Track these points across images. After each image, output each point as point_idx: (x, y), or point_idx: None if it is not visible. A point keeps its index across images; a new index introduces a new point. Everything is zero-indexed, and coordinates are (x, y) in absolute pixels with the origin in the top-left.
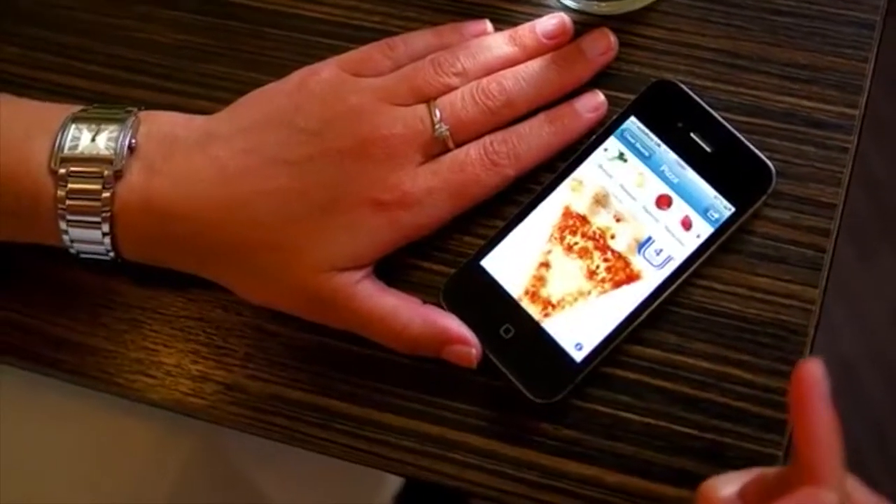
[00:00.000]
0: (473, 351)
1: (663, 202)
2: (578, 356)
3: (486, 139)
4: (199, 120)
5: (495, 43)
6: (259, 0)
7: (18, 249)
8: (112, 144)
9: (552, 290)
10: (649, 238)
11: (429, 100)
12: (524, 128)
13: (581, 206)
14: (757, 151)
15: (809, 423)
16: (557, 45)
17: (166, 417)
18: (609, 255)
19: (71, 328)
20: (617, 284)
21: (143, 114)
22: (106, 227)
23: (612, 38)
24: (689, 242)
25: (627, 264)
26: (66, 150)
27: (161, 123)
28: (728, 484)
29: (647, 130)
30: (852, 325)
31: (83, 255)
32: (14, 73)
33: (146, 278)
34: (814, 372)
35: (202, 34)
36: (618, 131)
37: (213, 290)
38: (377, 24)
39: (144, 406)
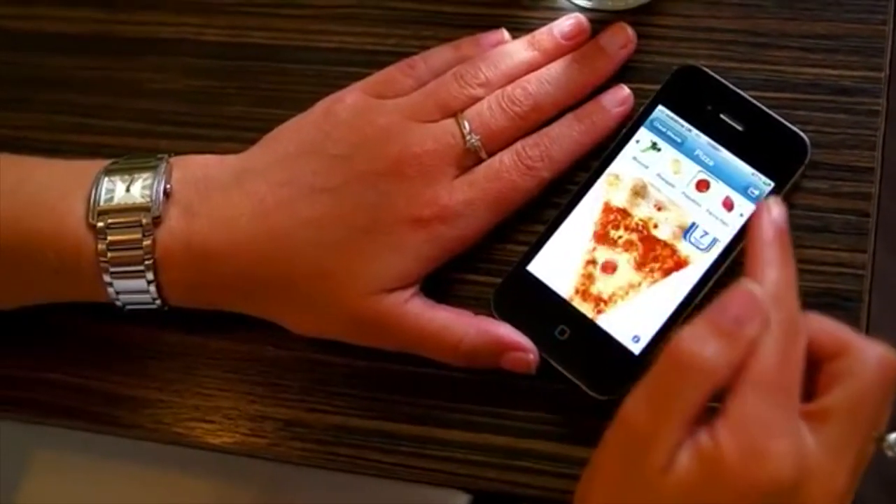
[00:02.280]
0: (531, 356)
1: (702, 186)
2: (637, 349)
3: (518, 145)
4: (230, 159)
5: (515, 50)
6: (271, 37)
7: (61, 311)
8: (147, 192)
9: (602, 287)
10: (693, 223)
11: (455, 113)
12: (554, 129)
13: (620, 199)
14: (789, 124)
15: (758, 235)
16: (576, 45)
17: (222, 472)
18: (655, 244)
19: (123, 383)
20: (666, 273)
21: (175, 159)
22: (150, 275)
23: (631, 32)
24: (733, 222)
25: (674, 251)
26: (102, 203)
27: (194, 166)
28: (715, 346)
29: (676, 117)
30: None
31: (129, 307)
32: (40, 139)
33: (192, 324)
34: (775, 205)
35: (219, 77)
36: (647, 122)
37: (261, 328)
38: (393, 47)
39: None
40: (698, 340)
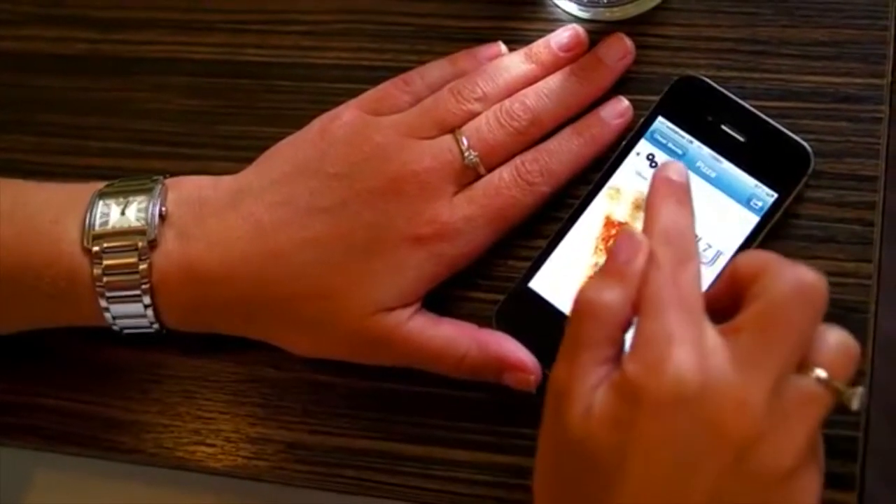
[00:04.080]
0: (532, 377)
1: None
2: None
3: (517, 160)
4: (226, 180)
5: (512, 63)
6: (265, 55)
7: (58, 336)
8: (142, 215)
9: None
10: (696, 236)
11: (453, 129)
12: (553, 143)
13: (622, 213)
14: (791, 134)
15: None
16: (574, 57)
17: (223, 491)
18: None
19: (124, 408)
20: None
21: (170, 181)
22: (147, 299)
23: (629, 43)
24: (737, 234)
25: None
26: (97, 227)
27: (189, 188)
28: (609, 289)
29: (676, 129)
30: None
31: (127, 332)
32: (34, 162)
33: (192, 348)
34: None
35: (213, 96)
36: (647, 133)
37: (261, 350)
38: (389, 62)
39: (200, 482)
40: (593, 287)
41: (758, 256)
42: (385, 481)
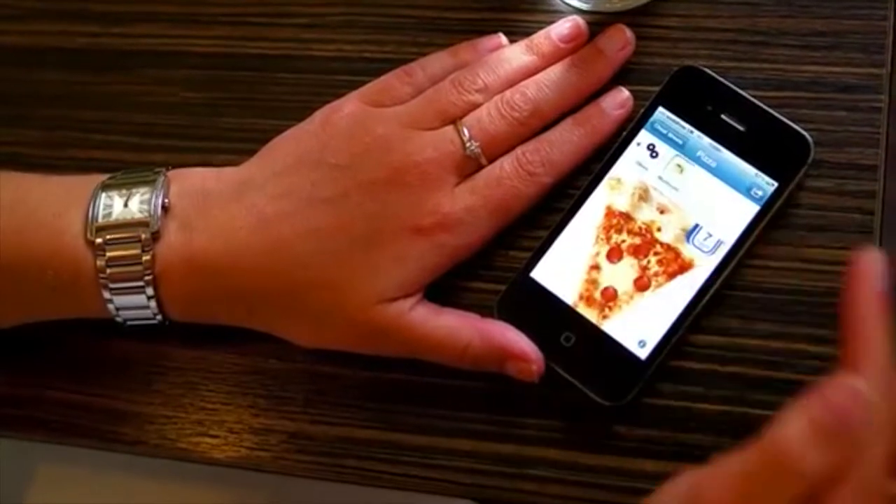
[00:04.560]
0: (534, 367)
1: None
2: (643, 353)
3: (519, 150)
4: (229, 172)
5: (513, 54)
6: (267, 47)
7: (62, 328)
8: (145, 207)
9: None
10: (696, 225)
11: (455, 120)
12: (554, 134)
13: (623, 203)
14: (791, 123)
15: (856, 315)
16: (575, 48)
17: (227, 482)
18: (658, 247)
19: (127, 399)
20: (671, 276)
21: (172, 173)
22: (150, 291)
23: (629, 34)
24: (737, 223)
25: (678, 255)
26: (100, 219)
27: (192, 180)
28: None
29: (677, 119)
30: None
31: (130, 323)
32: (38, 156)
33: (195, 339)
34: (871, 263)
35: (215, 89)
36: (648, 124)
37: (264, 341)
38: (390, 54)
39: (203, 473)
40: (799, 440)
41: None
42: (387, 471)
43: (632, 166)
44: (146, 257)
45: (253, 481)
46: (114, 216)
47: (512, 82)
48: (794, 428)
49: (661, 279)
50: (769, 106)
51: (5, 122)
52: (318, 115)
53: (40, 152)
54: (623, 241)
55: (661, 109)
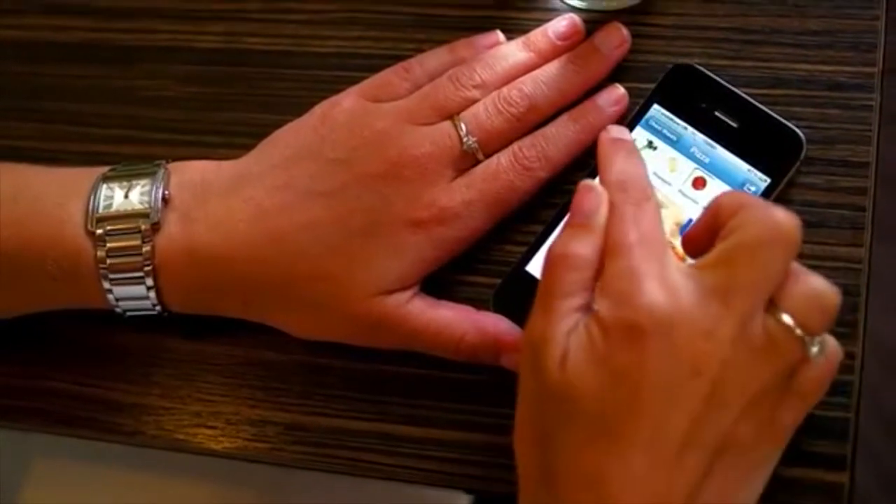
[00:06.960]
0: None
1: (699, 183)
2: None
3: (515, 145)
4: (228, 164)
5: (510, 51)
6: (266, 43)
7: (60, 319)
8: (146, 198)
9: None
10: (690, 220)
11: (452, 115)
12: (550, 130)
13: None
14: (783, 120)
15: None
16: (571, 46)
17: (223, 475)
18: None
19: (125, 391)
20: None
21: (173, 165)
22: (150, 281)
23: (625, 31)
24: None
25: (672, 249)
26: (100, 210)
27: (192, 172)
28: (577, 239)
29: (671, 116)
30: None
31: (129, 314)
32: (37, 149)
33: (192, 331)
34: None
35: (213, 84)
36: (643, 121)
37: (261, 333)
38: (388, 51)
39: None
40: (562, 241)
41: (738, 196)
42: (381, 462)
43: None
44: (146, 248)
45: (249, 475)
46: (114, 207)
47: (509, 79)
48: (556, 237)
49: None
50: (762, 103)
51: (5, 115)
52: (318, 110)
53: (40, 145)
54: None
55: (656, 107)
